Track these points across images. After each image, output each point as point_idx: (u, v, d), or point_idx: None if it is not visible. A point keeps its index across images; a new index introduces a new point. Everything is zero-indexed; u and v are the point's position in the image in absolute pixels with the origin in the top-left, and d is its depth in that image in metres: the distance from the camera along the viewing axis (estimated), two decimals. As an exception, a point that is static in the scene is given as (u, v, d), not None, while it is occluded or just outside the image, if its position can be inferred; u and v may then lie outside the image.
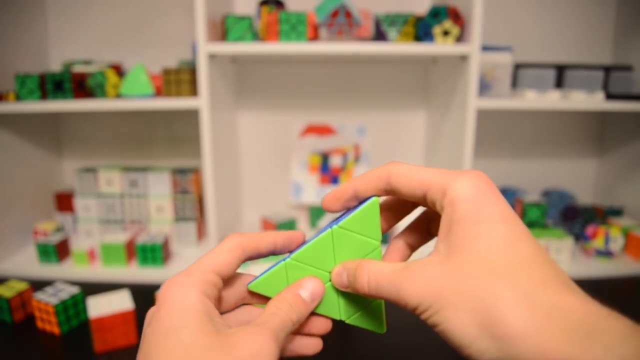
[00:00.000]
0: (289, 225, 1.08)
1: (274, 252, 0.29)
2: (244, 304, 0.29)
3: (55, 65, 1.11)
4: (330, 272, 0.29)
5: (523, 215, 1.04)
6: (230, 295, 0.28)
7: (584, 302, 0.19)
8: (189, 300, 0.23)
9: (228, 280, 0.28)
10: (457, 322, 0.20)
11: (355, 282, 0.26)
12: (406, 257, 0.31)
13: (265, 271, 0.29)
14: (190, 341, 0.21)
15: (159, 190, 1.04)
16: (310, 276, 0.29)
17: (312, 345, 0.29)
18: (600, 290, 0.88)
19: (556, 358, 0.18)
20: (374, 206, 0.28)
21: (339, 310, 0.30)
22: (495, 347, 0.19)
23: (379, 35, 0.92)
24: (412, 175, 0.25)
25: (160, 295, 0.24)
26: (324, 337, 0.30)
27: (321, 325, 0.29)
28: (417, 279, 0.22)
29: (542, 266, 0.21)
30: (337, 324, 0.30)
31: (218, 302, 0.27)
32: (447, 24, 0.86)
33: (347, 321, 0.30)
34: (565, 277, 0.21)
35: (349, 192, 0.28)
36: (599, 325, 0.18)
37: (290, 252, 0.29)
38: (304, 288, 0.27)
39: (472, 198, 0.22)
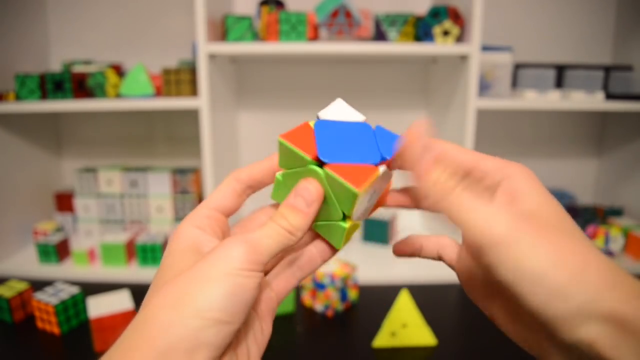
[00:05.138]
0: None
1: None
2: None
3: (55, 65, 1.11)
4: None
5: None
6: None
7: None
8: (180, 235, 0.25)
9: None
10: (536, 246, 0.20)
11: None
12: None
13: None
14: (169, 267, 0.24)
15: (159, 190, 1.04)
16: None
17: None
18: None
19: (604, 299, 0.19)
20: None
21: None
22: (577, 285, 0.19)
23: (379, 35, 0.92)
24: (460, 149, 0.27)
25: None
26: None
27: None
28: (491, 206, 0.22)
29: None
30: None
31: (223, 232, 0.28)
32: (447, 24, 0.86)
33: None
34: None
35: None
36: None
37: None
38: (296, 194, 0.25)
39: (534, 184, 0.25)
